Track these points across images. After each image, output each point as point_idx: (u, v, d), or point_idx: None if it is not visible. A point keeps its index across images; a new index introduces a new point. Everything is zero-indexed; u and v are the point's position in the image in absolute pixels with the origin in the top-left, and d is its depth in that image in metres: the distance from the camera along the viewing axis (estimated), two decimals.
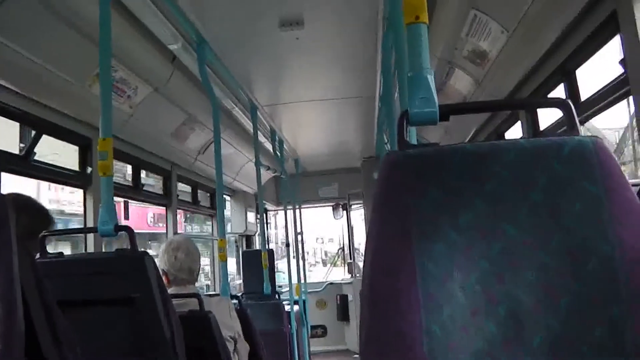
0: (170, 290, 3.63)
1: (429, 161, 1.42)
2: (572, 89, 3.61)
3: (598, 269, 1.33)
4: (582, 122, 3.47)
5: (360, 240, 11.96)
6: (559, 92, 3.80)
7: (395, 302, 1.33)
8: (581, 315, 1.32)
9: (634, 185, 1.53)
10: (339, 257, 13.73)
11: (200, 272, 3.81)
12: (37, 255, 2.62)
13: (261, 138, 7.27)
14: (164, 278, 3.50)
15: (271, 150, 7.69)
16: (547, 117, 4.19)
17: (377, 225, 1.39)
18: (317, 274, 14.83)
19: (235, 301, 4.61)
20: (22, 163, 3.87)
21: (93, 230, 2.88)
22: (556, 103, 1.59)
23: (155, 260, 2.60)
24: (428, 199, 1.37)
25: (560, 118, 3.70)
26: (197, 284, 3.71)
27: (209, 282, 9.38)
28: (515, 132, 4.93)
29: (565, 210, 1.36)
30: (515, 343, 1.32)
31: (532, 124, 4.29)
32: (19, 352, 1.38)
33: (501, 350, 1.32)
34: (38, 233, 2.63)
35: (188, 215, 11.33)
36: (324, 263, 18.66)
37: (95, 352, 2.46)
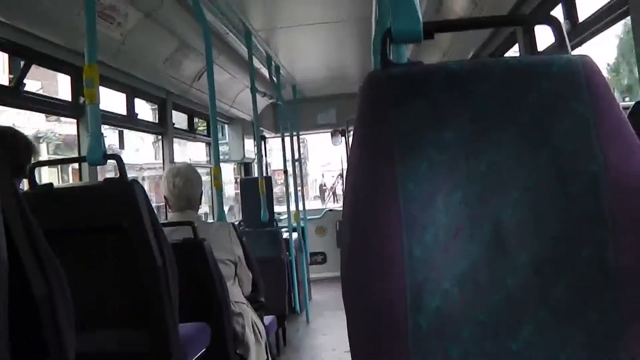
0: (170, 217, 3.68)
1: (412, 80, 1.37)
2: (570, 10, 3.53)
3: (585, 188, 1.30)
4: (580, 43, 3.42)
5: None
6: (557, 12, 3.72)
7: (376, 223, 1.31)
8: (567, 236, 1.30)
9: (624, 108, 1.49)
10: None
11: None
12: (27, 187, 2.61)
13: (257, 64, 7.17)
14: (165, 203, 3.56)
15: (267, 77, 7.60)
16: (547, 38, 4.11)
17: (358, 146, 1.36)
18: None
19: None
20: (13, 94, 3.81)
21: (82, 159, 2.85)
22: (544, 20, 1.53)
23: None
24: (410, 118, 1.34)
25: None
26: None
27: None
28: (514, 54, 4.86)
29: (553, 129, 1.32)
30: (499, 263, 1.30)
31: (530, 45, 4.22)
32: (3, 280, 1.37)
33: (484, 271, 1.30)
34: (23, 164, 2.62)
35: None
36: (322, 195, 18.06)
37: (88, 280, 2.47)
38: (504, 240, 1.30)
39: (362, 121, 1.37)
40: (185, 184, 3.63)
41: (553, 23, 1.46)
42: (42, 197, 2.56)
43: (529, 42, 4.22)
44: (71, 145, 11.84)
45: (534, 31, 4.17)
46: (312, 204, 16.39)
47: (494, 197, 1.31)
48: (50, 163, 3.18)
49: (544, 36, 4.13)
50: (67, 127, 11.75)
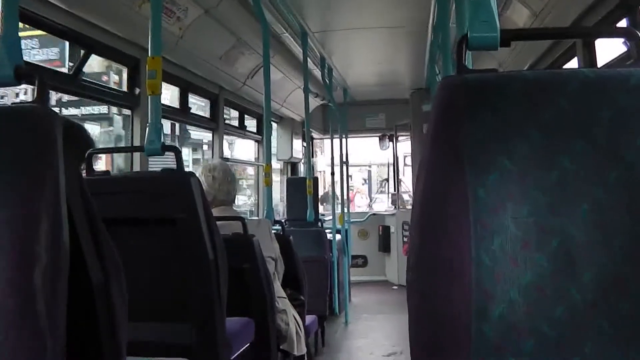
0: None
1: (487, 87, 1.35)
2: (636, 24, 3.46)
3: None
4: None
5: (406, 171, 11.88)
6: (622, 25, 3.66)
7: (445, 229, 1.29)
8: (635, 255, 1.27)
9: None
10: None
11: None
12: (84, 173, 2.64)
13: (310, 65, 7.19)
14: None
15: (320, 78, 7.61)
16: (605, 52, 4.05)
17: (430, 151, 1.35)
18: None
19: (278, 226, 4.66)
20: (71, 82, 3.87)
21: (140, 149, 2.88)
22: (623, 32, 1.51)
23: None
24: (484, 125, 1.32)
25: (622, 53, 3.56)
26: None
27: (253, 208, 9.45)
28: (572, 66, 4.78)
29: (627, 145, 1.29)
30: (565, 277, 1.28)
31: (589, 58, 4.15)
32: (64, 265, 1.39)
33: (550, 283, 1.28)
34: (82, 155, 2.65)
35: None
36: None
37: (138, 270, 2.48)
38: (571, 254, 1.28)
39: (435, 123, 1.35)
40: (224, 176, 3.70)
41: (631, 36, 1.43)
42: (98, 184, 2.59)
43: (589, 54, 4.15)
44: None
45: (594, 44, 4.10)
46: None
47: (563, 209, 1.29)
48: (106, 151, 3.24)
49: (603, 49, 4.07)
50: None
